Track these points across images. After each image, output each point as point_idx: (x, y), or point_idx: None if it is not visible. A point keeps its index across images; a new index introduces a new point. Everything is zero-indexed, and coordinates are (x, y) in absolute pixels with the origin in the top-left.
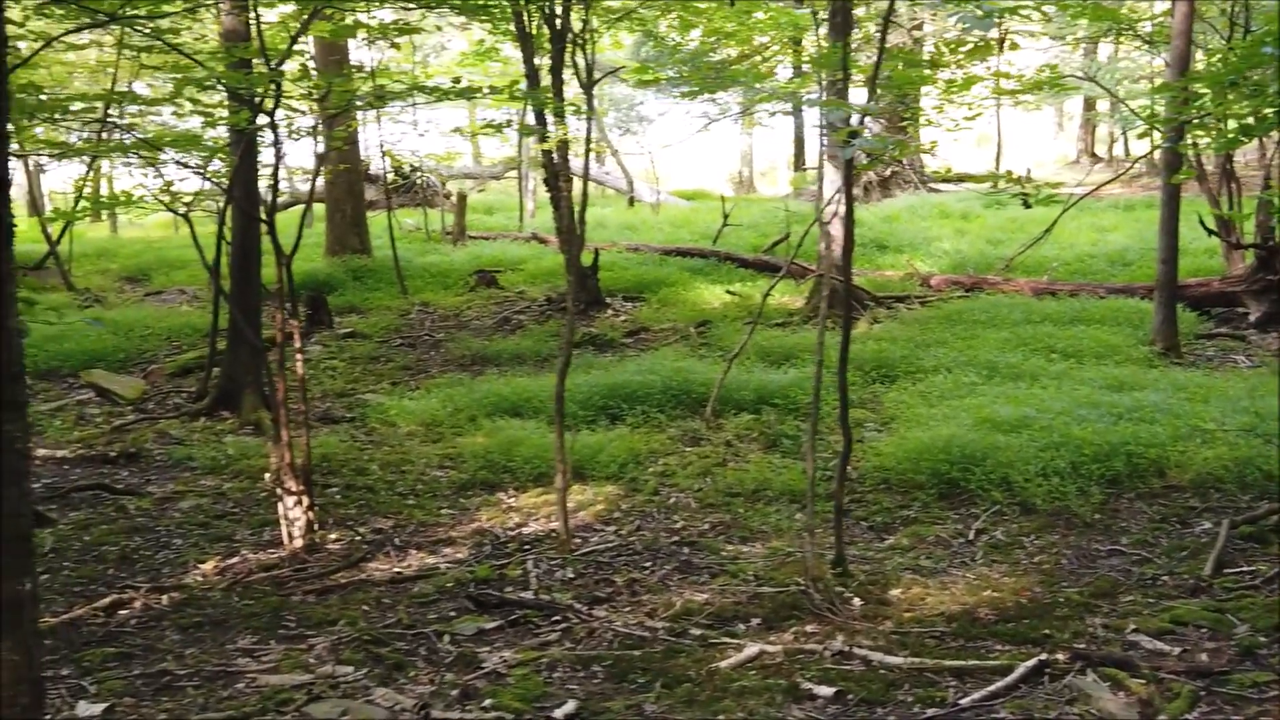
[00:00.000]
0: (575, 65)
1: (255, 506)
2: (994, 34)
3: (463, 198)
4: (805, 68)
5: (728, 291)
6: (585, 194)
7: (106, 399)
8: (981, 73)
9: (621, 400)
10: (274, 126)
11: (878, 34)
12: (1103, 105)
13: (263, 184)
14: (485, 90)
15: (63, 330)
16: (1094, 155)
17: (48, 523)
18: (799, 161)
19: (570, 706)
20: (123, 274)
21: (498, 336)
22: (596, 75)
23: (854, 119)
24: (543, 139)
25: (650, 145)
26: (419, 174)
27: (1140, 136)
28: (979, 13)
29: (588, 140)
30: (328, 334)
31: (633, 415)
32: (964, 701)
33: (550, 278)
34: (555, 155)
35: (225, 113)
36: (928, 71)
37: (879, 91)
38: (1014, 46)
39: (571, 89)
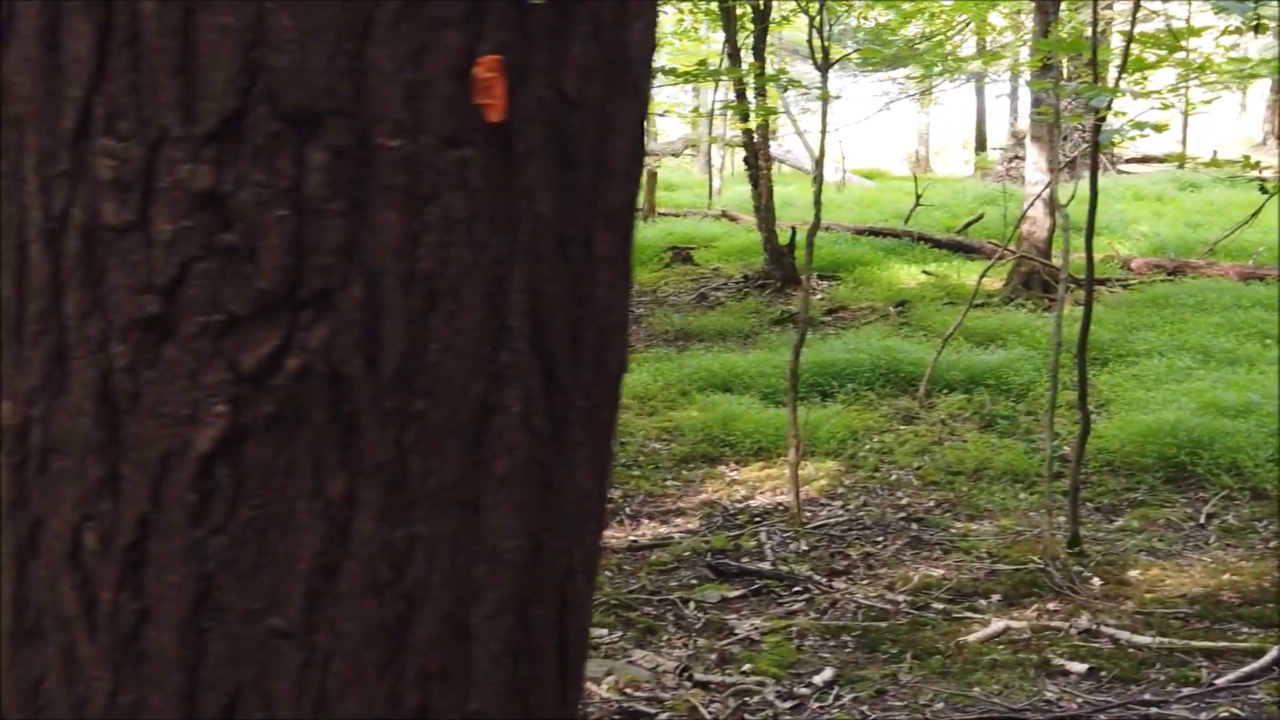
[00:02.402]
0: (810, 46)
1: None
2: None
3: (652, 175)
4: (990, 44)
5: (924, 272)
6: (820, 179)
7: None
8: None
9: (831, 377)
10: None
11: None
12: None
13: None
14: (723, 74)
15: None
16: None
17: None
18: (980, 141)
19: (829, 673)
20: None
21: (697, 312)
22: (784, 60)
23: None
24: (745, 118)
25: (833, 123)
26: None
27: None
28: None
29: (823, 122)
30: None
31: (843, 393)
32: (1219, 682)
33: (744, 255)
34: (756, 135)
35: None
36: (1164, 53)
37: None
38: (1264, 29)
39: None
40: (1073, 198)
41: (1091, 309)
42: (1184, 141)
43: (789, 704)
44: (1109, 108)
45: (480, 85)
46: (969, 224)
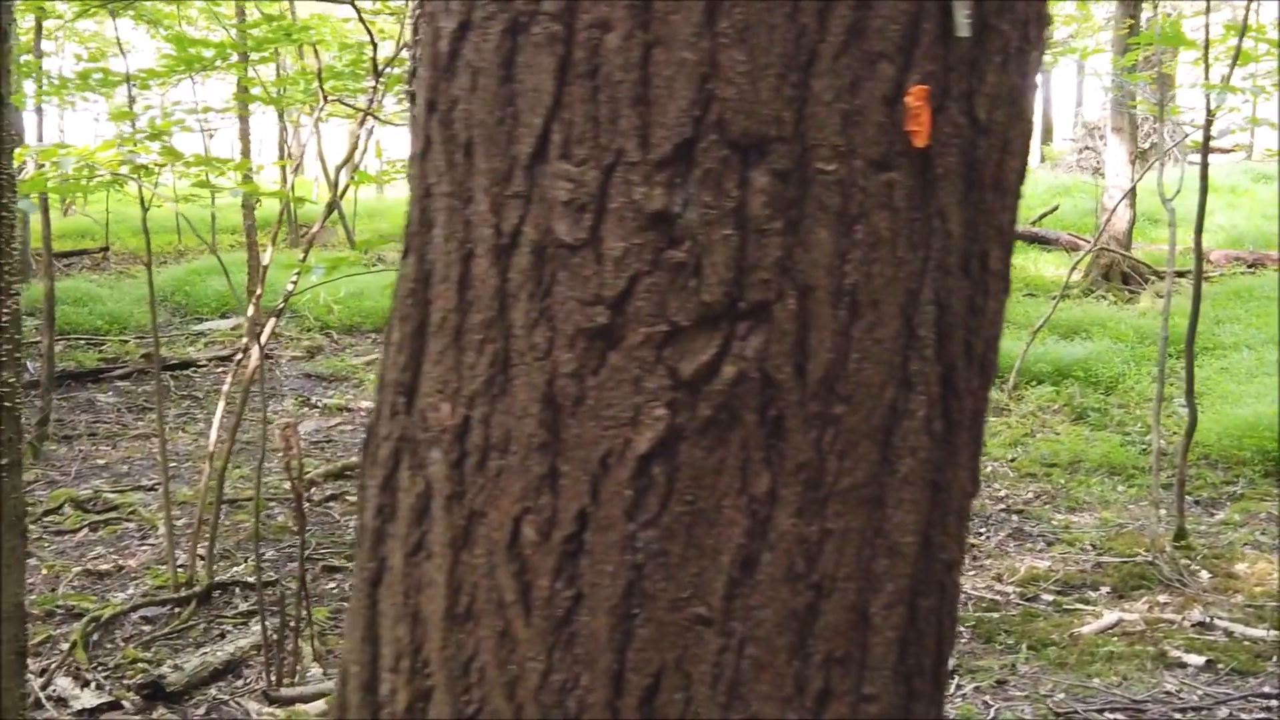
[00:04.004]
0: None
1: None
2: None
3: None
4: (1057, 34)
5: None
6: None
7: None
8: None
9: None
10: None
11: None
12: None
13: None
14: None
15: (361, 288)
16: None
17: None
18: (1046, 131)
19: (948, 663)
20: (393, 235)
21: None
22: None
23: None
24: None
25: None
26: None
27: None
28: None
29: None
30: None
31: None
32: None
33: None
34: None
35: None
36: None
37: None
38: None
39: None
40: (1178, 191)
41: (1200, 304)
42: (1252, 132)
43: None
44: (1221, 104)
45: (910, 113)
46: (1044, 215)
